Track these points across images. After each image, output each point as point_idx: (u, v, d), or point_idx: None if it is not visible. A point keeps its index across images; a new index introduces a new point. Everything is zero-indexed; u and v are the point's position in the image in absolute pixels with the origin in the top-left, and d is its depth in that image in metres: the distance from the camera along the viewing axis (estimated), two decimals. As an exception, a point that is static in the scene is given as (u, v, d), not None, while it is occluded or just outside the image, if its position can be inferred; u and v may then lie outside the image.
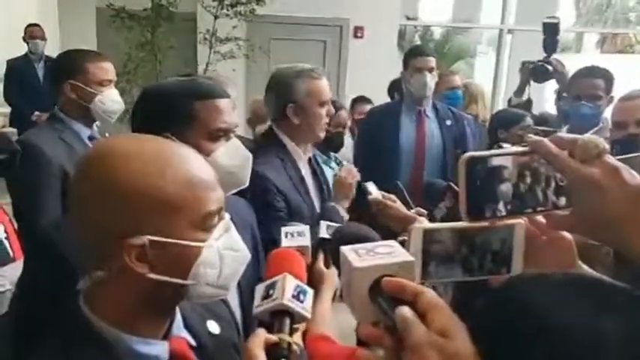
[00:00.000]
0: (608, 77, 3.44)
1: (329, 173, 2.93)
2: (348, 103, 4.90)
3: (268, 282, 1.28)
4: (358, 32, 8.59)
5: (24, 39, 6.88)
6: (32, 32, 6.86)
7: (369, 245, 0.86)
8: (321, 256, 1.86)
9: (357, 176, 2.52)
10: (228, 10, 7.06)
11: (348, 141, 4.21)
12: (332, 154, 3.67)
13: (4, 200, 2.66)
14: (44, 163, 2.53)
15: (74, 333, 1.02)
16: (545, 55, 4.06)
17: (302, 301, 1.25)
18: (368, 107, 4.81)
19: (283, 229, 1.70)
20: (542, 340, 0.65)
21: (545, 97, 5.93)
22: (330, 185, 2.68)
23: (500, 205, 0.85)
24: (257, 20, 7.45)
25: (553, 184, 0.87)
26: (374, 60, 8.12)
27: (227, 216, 1.11)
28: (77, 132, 2.77)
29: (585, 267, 0.97)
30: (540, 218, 0.93)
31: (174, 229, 0.99)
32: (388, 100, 5.27)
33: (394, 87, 5.52)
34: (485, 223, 0.91)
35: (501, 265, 0.95)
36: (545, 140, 0.85)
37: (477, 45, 12.84)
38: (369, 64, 8.13)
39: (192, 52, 7.89)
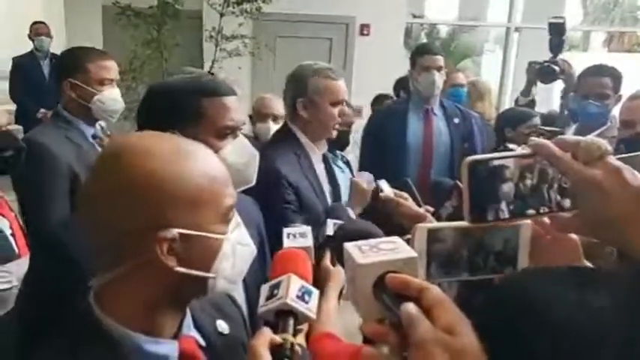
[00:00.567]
0: (615, 76, 3.44)
1: (337, 172, 2.94)
2: (353, 101, 4.88)
3: (273, 282, 1.28)
4: (364, 30, 8.57)
5: (29, 36, 6.89)
6: (38, 29, 6.87)
7: (372, 241, 0.85)
8: (327, 254, 1.85)
9: (373, 185, 2.53)
10: (234, 7, 7.06)
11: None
12: (338, 152, 3.67)
13: (10, 197, 2.66)
14: (52, 161, 2.53)
15: (82, 331, 1.02)
16: (551, 55, 4.04)
17: (307, 302, 1.25)
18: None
19: (285, 230, 1.69)
20: (543, 336, 0.66)
21: (552, 97, 5.92)
22: (342, 185, 2.73)
23: (503, 206, 0.85)
24: (263, 18, 7.45)
25: (556, 186, 0.87)
26: (380, 58, 8.11)
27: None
28: (82, 130, 2.77)
29: (590, 265, 0.97)
30: (545, 218, 0.93)
31: (202, 222, 1.01)
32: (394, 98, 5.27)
33: (400, 85, 5.53)
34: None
35: (506, 264, 0.95)
36: (548, 143, 0.86)
37: (484, 43, 12.83)
38: (375, 62, 8.11)
39: (198, 49, 7.90)
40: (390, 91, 5.71)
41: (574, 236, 0.95)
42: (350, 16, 8.48)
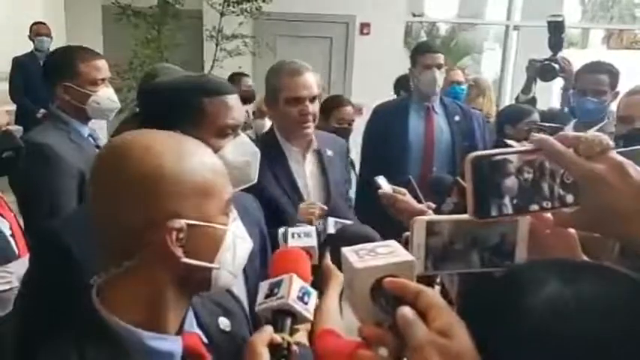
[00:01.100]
0: (612, 72, 3.46)
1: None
2: (353, 100, 4.87)
3: (273, 280, 1.29)
4: (364, 29, 8.58)
5: (29, 37, 6.90)
6: (38, 30, 6.88)
7: (369, 246, 0.86)
8: (328, 253, 1.86)
9: (317, 213, 2.43)
10: (234, 7, 7.07)
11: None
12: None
13: (9, 197, 2.66)
14: (58, 162, 2.52)
15: (87, 329, 1.02)
16: (551, 53, 4.05)
17: (306, 303, 1.26)
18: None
19: (290, 230, 1.69)
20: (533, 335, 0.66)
21: (551, 95, 5.92)
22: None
23: (507, 201, 0.85)
24: (263, 17, 7.46)
25: (558, 182, 0.87)
26: (380, 56, 8.11)
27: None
28: (78, 130, 2.75)
29: (587, 259, 0.97)
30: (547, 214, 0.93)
31: (207, 213, 1.03)
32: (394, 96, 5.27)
33: (400, 84, 5.53)
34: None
35: (504, 258, 0.96)
36: (550, 138, 0.86)
37: (484, 41, 12.82)
38: (375, 60, 8.11)
39: (198, 49, 7.90)
40: (389, 90, 5.71)
41: (572, 230, 0.95)
42: (350, 15, 8.48)
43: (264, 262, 1.78)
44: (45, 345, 1.04)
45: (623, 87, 3.39)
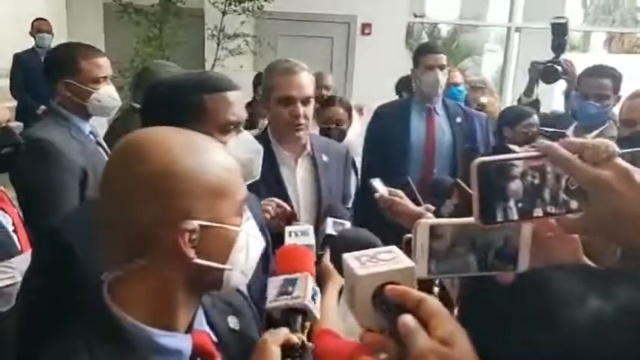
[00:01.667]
0: (615, 76, 3.46)
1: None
2: (354, 101, 4.86)
3: (287, 277, 1.29)
4: (366, 29, 8.59)
5: (31, 33, 6.89)
6: (39, 26, 6.87)
7: (370, 252, 0.87)
8: (327, 253, 1.86)
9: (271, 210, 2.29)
10: (235, 6, 7.08)
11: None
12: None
13: (13, 193, 2.66)
14: (59, 158, 2.53)
15: (97, 326, 1.01)
16: (554, 55, 4.05)
17: (315, 302, 1.27)
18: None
19: (287, 228, 1.69)
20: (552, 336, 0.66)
21: (553, 97, 5.92)
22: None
23: (511, 204, 0.85)
24: (265, 17, 7.46)
25: (563, 188, 0.87)
26: (381, 57, 8.12)
27: None
28: (79, 127, 2.76)
29: (590, 263, 0.97)
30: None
31: (220, 214, 1.02)
32: (395, 97, 5.26)
33: (402, 85, 5.52)
34: None
35: (507, 262, 0.95)
36: (556, 144, 0.86)
37: (485, 43, 12.81)
38: (377, 61, 8.13)
39: (199, 47, 7.91)
40: (390, 91, 5.71)
41: (574, 235, 0.95)
42: (351, 15, 8.49)
43: (264, 261, 1.78)
44: (51, 341, 1.04)
45: (625, 91, 3.40)
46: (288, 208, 2.30)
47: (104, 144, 2.85)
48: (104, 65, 2.81)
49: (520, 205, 0.85)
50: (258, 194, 2.15)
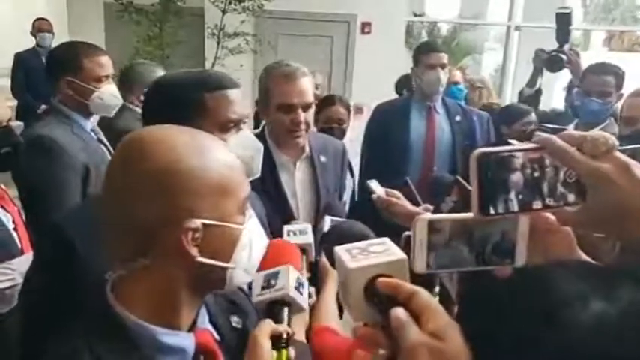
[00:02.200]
0: (618, 74, 3.46)
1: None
2: (354, 100, 4.88)
3: (269, 271, 1.29)
4: (365, 28, 8.58)
5: (32, 33, 6.89)
6: (40, 25, 6.87)
7: (362, 244, 0.86)
8: (324, 251, 1.86)
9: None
10: (235, 5, 7.07)
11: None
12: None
13: (13, 192, 2.66)
14: (62, 155, 2.52)
15: (99, 324, 1.02)
16: (558, 45, 4.05)
17: (301, 293, 1.27)
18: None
19: (285, 227, 1.69)
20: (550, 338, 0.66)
21: (553, 93, 5.92)
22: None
23: (512, 195, 0.85)
24: (265, 16, 7.46)
25: (561, 181, 0.87)
26: (381, 56, 8.12)
27: None
28: (81, 125, 2.76)
29: (587, 258, 0.97)
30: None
31: (224, 213, 1.02)
32: (395, 96, 5.26)
33: (402, 83, 5.52)
34: None
35: (504, 256, 0.95)
36: (555, 137, 0.85)
37: (485, 42, 12.81)
38: (376, 60, 8.13)
39: (200, 47, 7.90)
40: (390, 89, 5.71)
41: (569, 229, 0.95)
42: (351, 14, 8.49)
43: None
44: (54, 340, 1.04)
45: (625, 89, 3.41)
46: None
47: (106, 141, 2.86)
48: (106, 64, 2.81)
49: (520, 197, 0.85)
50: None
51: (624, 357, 0.63)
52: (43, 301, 1.46)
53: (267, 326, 1.14)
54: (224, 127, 1.60)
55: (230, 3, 7.06)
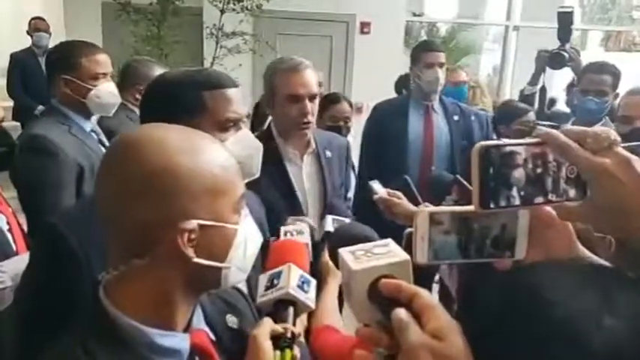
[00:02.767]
0: (615, 74, 3.51)
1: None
2: (353, 99, 4.88)
3: (272, 272, 1.29)
4: (364, 28, 8.59)
5: (28, 32, 6.88)
6: (36, 25, 6.86)
7: (366, 246, 0.87)
8: (326, 250, 1.86)
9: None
10: (234, 4, 7.07)
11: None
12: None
13: (10, 193, 2.65)
14: (57, 154, 2.51)
15: (94, 326, 1.01)
16: (559, 44, 4.07)
17: (306, 292, 1.26)
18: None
19: (282, 228, 1.69)
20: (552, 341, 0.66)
21: (553, 93, 5.92)
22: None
23: (514, 192, 0.84)
24: (263, 15, 7.46)
25: (563, 176, 0.86)
26: (380, 55, 8.13)
27: None
28: (80, 125, 2.75)
29: (587, 251, 0.97)
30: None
31: (219, 213, 1.01)
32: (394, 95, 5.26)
33: (401, 83, 5.53)
34: None
35: (504, 249, 0.95)
36: (556, 132, 0.85)
37: (483, 41, 12.85)
38: (375, 59, 8.14)
39: (198, 46, 7.89)
40: (389, 89, 5.71)
41: (569, 224, 0.94)
42: (350, 14, 8.49)
43: (264, 261, 1.77)
44: (50, 339, 1.03)
45: (621, 88, 3.47)
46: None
47: (107, 142, 2.84)
48: (104, 62, 2.80)
49: (521, 191, 0.84)
50: (264, 192, 2.16)
51: (623, 356, 0.64)
52: (38, 302, 1.46)
53: (266, 326, 1.13)
54: (223, 126, 1.59)
55: (229, 3, 7.05)
